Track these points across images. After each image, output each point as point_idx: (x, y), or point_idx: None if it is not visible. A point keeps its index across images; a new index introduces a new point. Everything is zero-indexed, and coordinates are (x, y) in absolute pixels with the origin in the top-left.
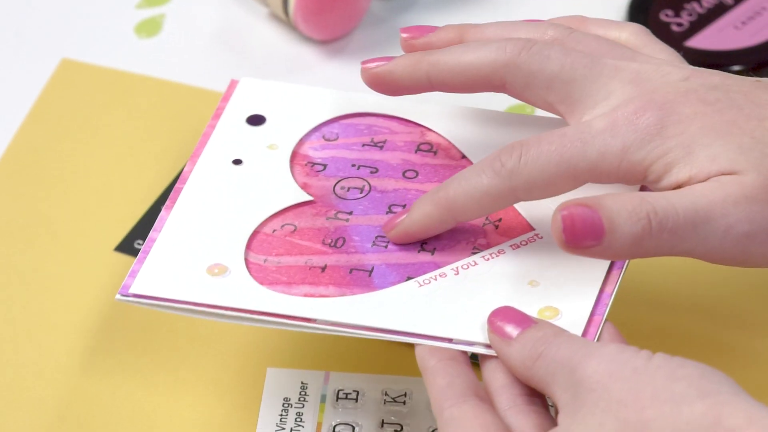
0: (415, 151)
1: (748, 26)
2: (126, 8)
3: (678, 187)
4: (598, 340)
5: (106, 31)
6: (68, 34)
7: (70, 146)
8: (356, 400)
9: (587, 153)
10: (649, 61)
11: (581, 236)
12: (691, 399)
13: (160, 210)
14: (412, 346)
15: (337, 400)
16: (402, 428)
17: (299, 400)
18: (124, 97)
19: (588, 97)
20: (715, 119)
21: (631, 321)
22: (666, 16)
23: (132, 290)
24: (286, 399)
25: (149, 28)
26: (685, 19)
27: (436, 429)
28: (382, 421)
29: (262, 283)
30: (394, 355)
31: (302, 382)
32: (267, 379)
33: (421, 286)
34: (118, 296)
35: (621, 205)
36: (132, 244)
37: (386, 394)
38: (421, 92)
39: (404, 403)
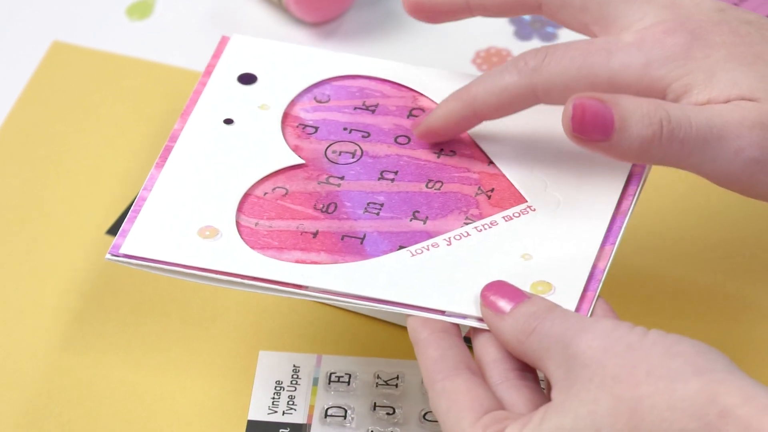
0: (407, 117)
1: None
2: None
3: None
4: (591, 316)
5: (98, 14)
6: (59, 17)
7: (62, 129)
8: (348, 383)
9: (610, 62)
10: None
11: (590, 128)
12: (686, 376)
13: None
14: (404, 328)
15: (329, 383)
16: (394, 411)
17: (291, 383)
18: (115, 79)
19: (622, 18)
20: (743, 50)
21: (623, 297)
22: None
23: (122, 250)
24: (278, 382)
25: (141, 10)
26: None
27: (428, 412)
28: (375, 403)
29: (253, 248)
30: (387, 338)
31: (294, 365)
32: (259, 362)
33: (413, 255)
34: (108, 256)
35: (636, 106)
36: None
37: (378, 377)
38: (461, 17)
39: (396, 386)
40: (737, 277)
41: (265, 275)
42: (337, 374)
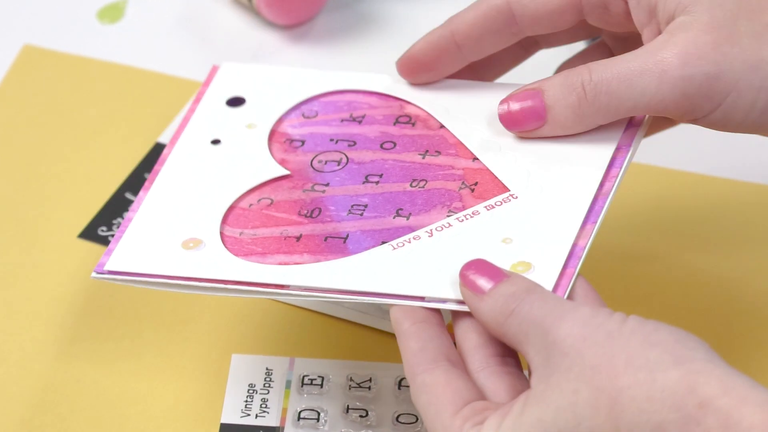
0: (394, 124)
1: None
2: None
3: (653, 8)
4: (570, 293)
5: (69, 17)
6: (30, 21)
7: (33, 133)
8: (321, 385)
9: None
10: None
11: (524, 122)
12: (665, 366)
13: (124, 196)
14: (376, 330)
15: (302, 386)
16: (367, 413)
17: (264, 386)
18: (86, 83)
19: None
20: None
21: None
22: None
23: (107, 267)
24: (251, 385)
25: (112, 13)
26: None
27: (401, 414)
28: (347, 406)
29: (236, 255)
30: (359, 340)
31: (267, 368)
32: (232, 365)
33: (395, 249)
34: (93, 274)
35: (560, 81)
36: (96, 230)
37: (351, 380)
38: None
39: (369, 388)
40: (714, 255)
41: (247, 278)
42: (310, 377)
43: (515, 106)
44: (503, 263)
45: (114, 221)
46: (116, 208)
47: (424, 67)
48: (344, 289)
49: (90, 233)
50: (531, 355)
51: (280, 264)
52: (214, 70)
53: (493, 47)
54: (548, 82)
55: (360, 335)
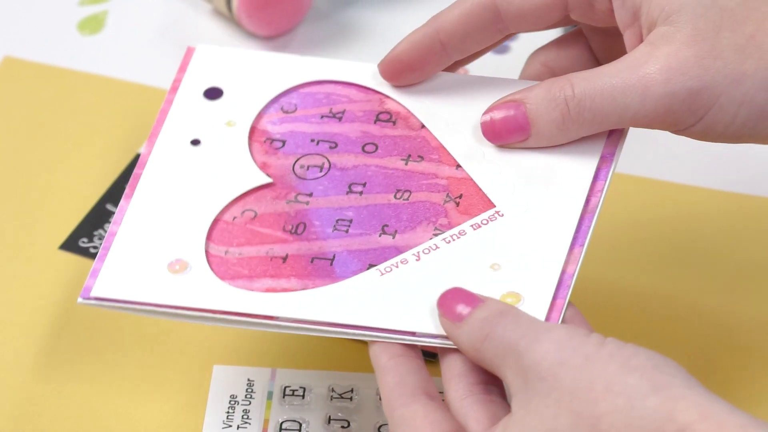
0: (374, 122)
1: None
2: (68, 5)
3: (636, 16)
4: (561, 322)
5: (49, 29)
6: (10, 32)
7: (14, 144)
8: (303, 396)
9: None
10: None
11: (507, 135)
12: (644, 392)
13: (105, 208)
14: (358, 341)
15: (283, 397)
16: (349, 424)
17: (246, 397)
18: (67, 94)
19: None
20: None
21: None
22: None
23: (93, 293)
24: (232, 396)
25: (92, 25)
26: None
27: (383, 425)
28: (329, 417)
29: (223, 278)
30: (341, 351)
31: (249, 379)
32: (213, 377)
33: (382, 275)
34: (80, 300)
35: (543, 94)
36: (77, 242)
37: (333, 390)
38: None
39: (351, 399)
40: (694, 281)
41: (236, 308)
42: (292, 388)
43: (498, 118)
44: (493, 293)
45: (95, 232)
46: (97, 220)
47: (408, 68)
48: (333, 321)
49: (71, 245)
50: (509, 378)
51: (267, 290)
52: (190, 52)
53: (477, 45)
54: (531, 95)
55: (341, 346)
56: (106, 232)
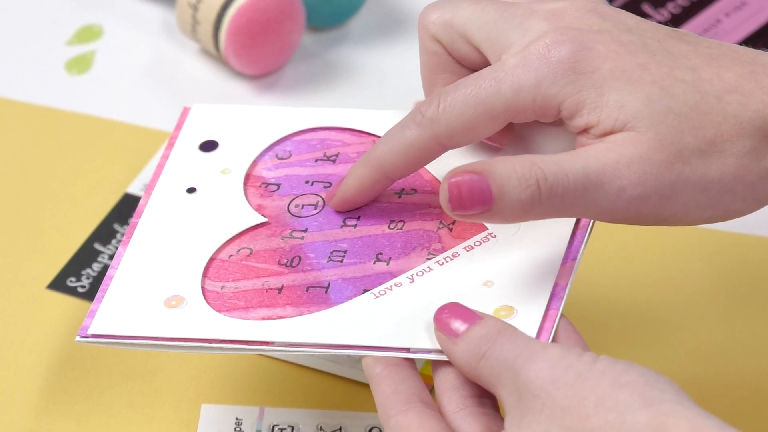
0: None
1: (732, 18)
2: (56, 45)
3: (587, 129)
4: (554, 335)
5: (37, 69)
6: None
7: (1, 183)
8: None
9: (502, 90)
10: (567, 0)
11: (469, 204)
12: (634, 408)
13: (93, 247)
14: (346, 379)
15: None
16: None
17: None
18: (55, 134)
19: (504, 37)
20: (627, 60)
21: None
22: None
23: (91, 331)
24: None
25: (80, 64)
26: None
27: None
28: None
29: (219, 311)
30: (329, 389)
31: (237, 418)
32: (201, 416)
33: (377, 297)
34: (77, 338)
35: (511, 170)
36: (65, 281)
37: (321, 429)
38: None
39: None
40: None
41: (231, 336)
42: (280, 426)
43: (465, 188)
44: (486, 308)
45: (83, 272)
46: (85, 259)
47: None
48: (328, 343)
49: (59, 284)
50: (504, 396)
51: (263, 319)
52: (186, 112)
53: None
54: (500, 168)
55: (330, 384)
56: (94, 271)
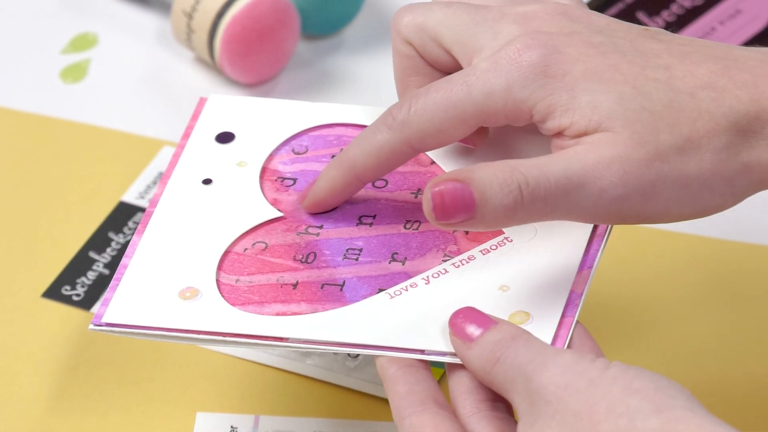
0: None
1: (726, 26)
2: (51, 54)
3: (561, 131)
4: (569, 342)
5: (32, 77)
6: None
7: None
8: None
9: (472, 94)
10: (538, 2)
11: (452, 212)
12: (645, 414)
13: (88, 255)
14: (342, 387)
15: None
16: None
17: None
18: (50, 142)
19: (475, 40)
20: (599, 62)
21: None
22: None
23: (105, 319)
24: None
25: (75, 73)
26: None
27: None
28: None
29: (234, 304)
30: (325, 397)
31: (232, 426)
32: (196, 424)
33: (392, 297)
34: (91, 326)
35: (492, 176)
36: (60, 290)
37: None
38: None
39: None
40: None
41: (245, 331)
42: None
43: (448, 197)
44: (501, 313)
45: (78, 280)
46: (80, 267)
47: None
48: (342, 341)
49: (54, 292)
50: (517, 402)
51: (277, 314)
52: (202, 102)
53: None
54: (481, 174)
55: (325, 393)
56: (89, 279)
